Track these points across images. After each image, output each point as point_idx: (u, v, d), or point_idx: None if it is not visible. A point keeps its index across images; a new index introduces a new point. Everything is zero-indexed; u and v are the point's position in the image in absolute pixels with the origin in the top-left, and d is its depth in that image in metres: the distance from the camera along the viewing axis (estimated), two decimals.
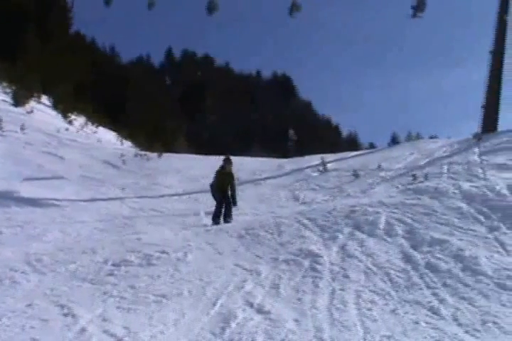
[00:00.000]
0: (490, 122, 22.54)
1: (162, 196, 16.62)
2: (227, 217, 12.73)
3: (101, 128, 39.52)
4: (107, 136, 37.51)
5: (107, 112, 45.94)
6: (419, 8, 23.34)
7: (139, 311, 6.77)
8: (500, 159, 14.65)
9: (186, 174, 20.51)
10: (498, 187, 10.98)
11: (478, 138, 19.18)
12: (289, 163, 22.02)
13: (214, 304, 6.94)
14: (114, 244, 10.11)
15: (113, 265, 8.69)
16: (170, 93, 79.78)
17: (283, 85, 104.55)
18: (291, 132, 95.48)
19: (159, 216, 13.78)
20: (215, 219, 12.59)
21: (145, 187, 18.20)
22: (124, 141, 39.19)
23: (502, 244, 8.36)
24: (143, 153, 25.61)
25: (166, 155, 25.46)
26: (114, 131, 42.56)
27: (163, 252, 9.23)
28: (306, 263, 8.36)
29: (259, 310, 6.64)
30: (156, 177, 19.75)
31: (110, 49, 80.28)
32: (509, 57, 22.71)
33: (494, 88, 22.89)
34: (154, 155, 24.86)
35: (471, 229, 9.15)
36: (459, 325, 5.94)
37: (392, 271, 7.70)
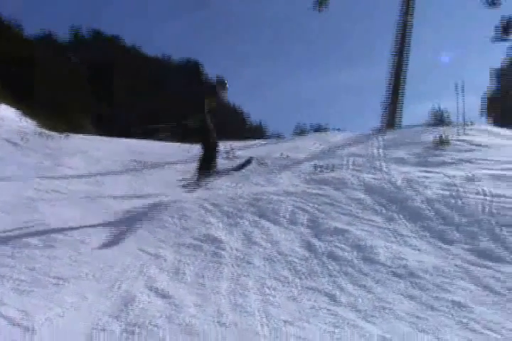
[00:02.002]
0: (391, 118, 23.38)
1: (66, 177, 16.15)
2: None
3: (2, 106, 37.86)
4: (8, 114, 35.98)
5: (10, 89, 43.99)
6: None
7: (37, 294, 6.57)
8: (399, 153, 15.21)
9: (92, 155, 20.00)
10: (396, 180, 11.39)
11: (380, 132, 19.82)
12: (196, 149, 21.90)
13: (115, 287, 6.84)
14: (15, 226, 9.76)
15: (13, 247, 8.38)
16: (77, 72, 77.45)
17: (191, 71, 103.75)
18: (197, 118, 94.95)
19: (63, 198, 13.39)
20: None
21: (49, 167, 17.61)
22: (27, 119, 37.69)
23: (398, 235, 8.71)
24: (47, 132, 24.70)
25: (71, 135, 24.72)
26: (17, 108, 40.82)
27: (65, 234, 9.00)
28: (210, 248, 8.39)
29: (162, 295, 6.60)
30: (61, 158, 19.15)
31: (14, 22, 76.83)
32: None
33: (395, 85, 23.73)
34: (59, 135, 24.07)
35: (370, 220, 9.47)
36: (356, 311, 6.13)
37: (294, 259, 7.85)
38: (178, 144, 24.81)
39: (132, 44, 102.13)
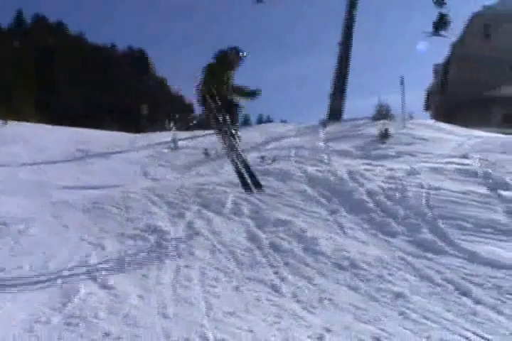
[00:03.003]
0: (336, 110, 23.63)
1: (8, 165, 15.76)
2: None
3: None
4: None
5: None
6: None
7: None
8: (343, 146, 15.42)
9: (35, 144, 19.58)
10: (339, 173, 11.53)
11: (324, 124, 20.03)
12: (140, 139, 21.72)
13: (56, 278, 6.74)
14: None
15: None
16: (19, 58, 75.45)
17: (138, 60, 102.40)
18: (143, 107, 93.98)
19: (5, 187, 13.08)
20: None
21: None
22: None
23: (341, 226, 8.83)
24: None
25: (12, 122, 24.14)
26: None
27: (4, 224, 8.81)
28: (153, 239, 8.35)
29: (103, 286, 6.53)
30: (1, 146, 18.69)
31: None
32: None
33: (340, 78, 23.99)
34: None
35: (313, 211, 9.57)
36: (298, 301, 6.19)
37: (237, 250, 7.87)
38: (123, 133, 24.54)
39: (77, 31, 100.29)
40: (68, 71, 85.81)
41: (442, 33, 24.50)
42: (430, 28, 24.45)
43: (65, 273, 6.94)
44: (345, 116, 23.92)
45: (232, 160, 9.48)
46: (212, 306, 5.96)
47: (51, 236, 8.46)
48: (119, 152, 18.56)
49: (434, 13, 24.13)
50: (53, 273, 6.94)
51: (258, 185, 9.36)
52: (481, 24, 29.71)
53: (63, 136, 21.09)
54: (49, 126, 25.94)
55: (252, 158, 14.85)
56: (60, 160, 16.85)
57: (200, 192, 10.73)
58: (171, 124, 21.24)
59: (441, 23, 24.34)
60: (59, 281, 6.65)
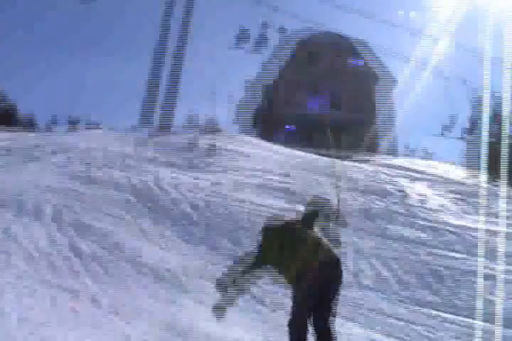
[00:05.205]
0: (166, 119, 23.50)
1: None
2: None
3: None
4: None
5: None
6: None
7: None
8: (169, 157, 15.39)
9: None
10: (165, 185, 11.53)
11: (152, 134, 19.84)
12: None
13: None
14: None
15: None
16: None
17: None
18: None
19: None
20: None
21: None
22: None
23: (164, 238, 8.81)
24: None
25: None
26: None
27: None
28: None
29: None
30: None
31: None
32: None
33: (172, 87, 23.97)
34: None
35: (136, 222, 9.46)
36: (116, 314, 6.07)
37: (54, 258, 7.55)
38: None
39: None
40: None
41: (245, 47, 25.77)
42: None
43: None
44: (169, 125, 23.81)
45: None
46: (25, 318, 5.65)
47: None
48: None
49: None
50: None
51: None
52: (305, 51, 31.23)
53: None
54: None
55: (74, 164, 14.37)
56: None
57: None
58: None
59: (242, 37, 25.62)
60: None
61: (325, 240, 4.73)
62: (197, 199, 10.69)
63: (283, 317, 6.03)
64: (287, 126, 23.59)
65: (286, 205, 10.67)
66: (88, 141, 18.88)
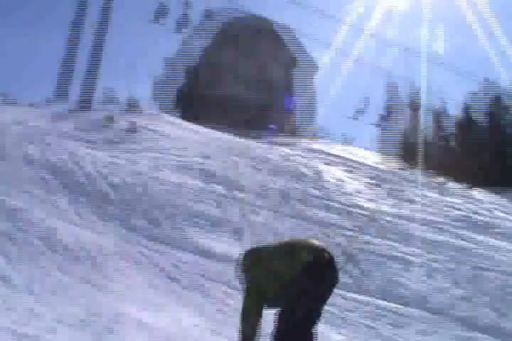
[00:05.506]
0: (87, 95, 22.91)
1: None
2: None
3: None
4: None
5: None
6: None
7: None
8: (91, 136, 15.05)
9: None
10: (85, 164, 11.30)
11: (73, 111, 19.36)
12: None
13: None
14: None
15: None
16: None
17: None
18: None
19: None
20: None
21: None
22: None
23: (83, 218, 8.66)
24: None
25: None
26: None
27: None
28: None
29: None
30: None
31: None
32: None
33: (94, 63, 23.40)
34: None
35: (52, 200, 9.25)
36: (30, 293, 5.93)
37: None
38: None
39: None
40: None
41: (162, 22, 25.56)
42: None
43: None
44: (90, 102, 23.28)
45: None
46: None
47: None
48: None
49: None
50: None
51: None
52: (232, 34, 31.10)
53: None
54: None
55: None
56: None
57: None
58: None
59: (160, 12, 25.42)
60: None
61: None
62: (114, 177, 10.54)
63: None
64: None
65: (204, 185, 10.70)
66: (3, 117, 18.24)
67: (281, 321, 3.98)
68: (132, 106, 20.04)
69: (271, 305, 4.12)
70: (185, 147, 14.55)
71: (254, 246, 4.43)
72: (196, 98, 29.10)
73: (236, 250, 7.92)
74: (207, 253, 7.81)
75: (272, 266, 4.11)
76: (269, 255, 4.21)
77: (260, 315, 4.10)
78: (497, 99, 25.13)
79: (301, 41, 30.05)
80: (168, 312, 5.88)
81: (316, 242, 4.22)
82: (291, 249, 4.19)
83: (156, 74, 29.06)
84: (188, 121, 20.56)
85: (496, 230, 11.32)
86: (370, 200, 12.14)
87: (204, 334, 5.51)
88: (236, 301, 6.24)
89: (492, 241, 10.50)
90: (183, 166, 12.06)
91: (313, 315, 4.05)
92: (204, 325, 5.71)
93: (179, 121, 20.18)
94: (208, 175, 11.52)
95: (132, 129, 15.87)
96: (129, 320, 5.48)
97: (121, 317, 5.50)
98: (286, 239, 4.81)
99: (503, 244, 10.35)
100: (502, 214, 13.02)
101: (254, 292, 4.13)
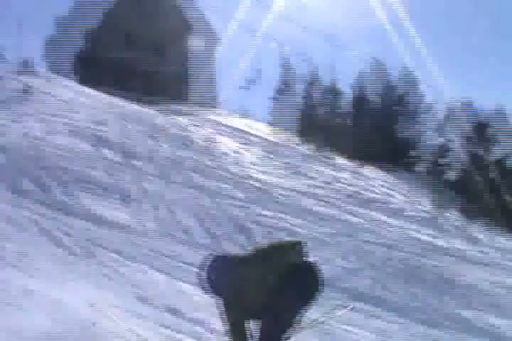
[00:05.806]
0: None
1: None
2: None
3: None
4: None
5: None
6: None
7: None
8: None
9: None
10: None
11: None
12: None
13: None
14: None
15: None
16: None
17: None
18: None
19: None
20: None
21: None
22: None
23: None
24: None
25: None
26: None
27: None
28: None
29: None
30: None
31: None
32: None
33: None
34: None
35: None
36: None
37: None
38: None
39: None
40: None
41: None
42: None
43: None
44: None
45: None
46: None
47: None
48: None
49: None
50: None
51: None
52: None
53: None
54: None
55: None
56: None
57: None
58: None
59: None
60: None
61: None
62: (5, 141, 10.14)
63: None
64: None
65: (95, 151, 10.57)
66: None
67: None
68: (26, 67, 19.13)
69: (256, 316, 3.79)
70: (79, 111, 14.14)
71: (220, 253, 4.04)
72: (93, 62, 28.30)
73: (126, 217, 7.93)
74: (98, 220, 7.71)
75: (254, 270, 3.78)
76: (248, 260, 3.88)
77: (247, 328, 3.79)
78: (387, 80, 25.90)
79: (201, 10, 29.95)
80: (59, 281, 5.74)
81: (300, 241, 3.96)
82: (278, 250, 3.95)
83: (48, 34, 27.88)
84: (85, 85, 19.97)
85: (383, 206, 11.84)
86: (264, 172, 12.32)
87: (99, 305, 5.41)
88: (128, 270, 6.23)
89: (378, 216, 11.00)
90: (76, 131, 11.77)
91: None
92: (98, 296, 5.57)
93: (75, 84, 19.53)
94: (101, 141, 11.32)
95: (25, 90, 15.20)
96: (15, 286, 5.33)
97: (6, 284, 5.34)
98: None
99: (389, 219, 10.86)
100: (388, 191, 13.63)
101: (237, 304, 3.78)
